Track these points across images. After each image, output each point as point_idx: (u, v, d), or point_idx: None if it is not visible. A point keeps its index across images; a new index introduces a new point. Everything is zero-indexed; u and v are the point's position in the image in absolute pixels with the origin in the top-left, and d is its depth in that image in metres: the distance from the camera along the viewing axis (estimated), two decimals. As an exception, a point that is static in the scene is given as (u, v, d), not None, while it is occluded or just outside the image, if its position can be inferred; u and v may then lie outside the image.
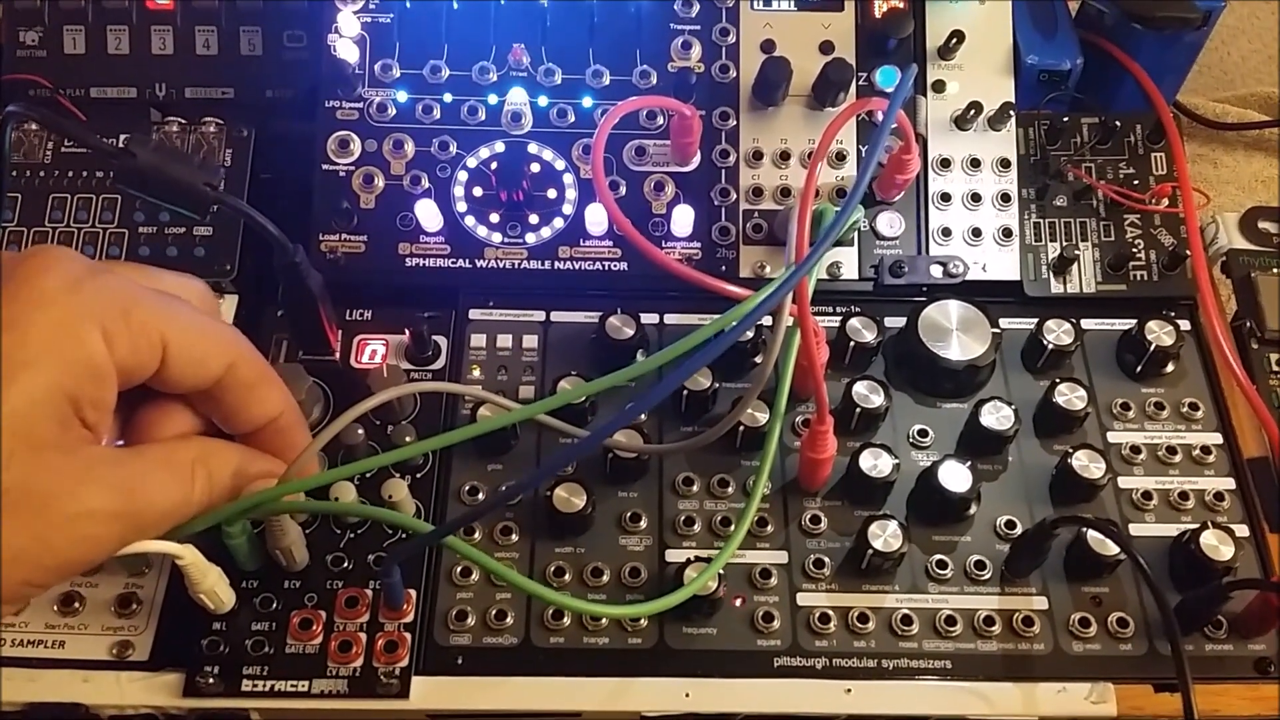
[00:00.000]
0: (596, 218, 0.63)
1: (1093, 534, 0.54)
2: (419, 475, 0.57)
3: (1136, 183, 0.67)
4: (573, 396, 0.52)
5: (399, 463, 0.56)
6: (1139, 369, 0.62)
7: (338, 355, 0.61)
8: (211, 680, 0.50)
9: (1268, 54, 1.07)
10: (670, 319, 0.63)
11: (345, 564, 0.54)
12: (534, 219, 0.63)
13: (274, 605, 0.53)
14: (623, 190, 0.64)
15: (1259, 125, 0.87)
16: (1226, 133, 0.87)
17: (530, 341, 0.62)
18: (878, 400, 0.58)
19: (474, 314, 0.63)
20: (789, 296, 0.51)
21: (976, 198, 0.65)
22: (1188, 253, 0.64)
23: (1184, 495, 0.58)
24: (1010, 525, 0.57)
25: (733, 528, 0.54)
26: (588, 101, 0.65)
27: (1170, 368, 0.63)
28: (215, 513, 0.44)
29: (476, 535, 0.56)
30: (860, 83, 0.66)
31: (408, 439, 0.55)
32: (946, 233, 0.65)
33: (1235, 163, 0.86)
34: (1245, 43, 1.08)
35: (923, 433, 0.60)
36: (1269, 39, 1.08)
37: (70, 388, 0.35)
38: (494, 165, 0.64)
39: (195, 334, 0.40)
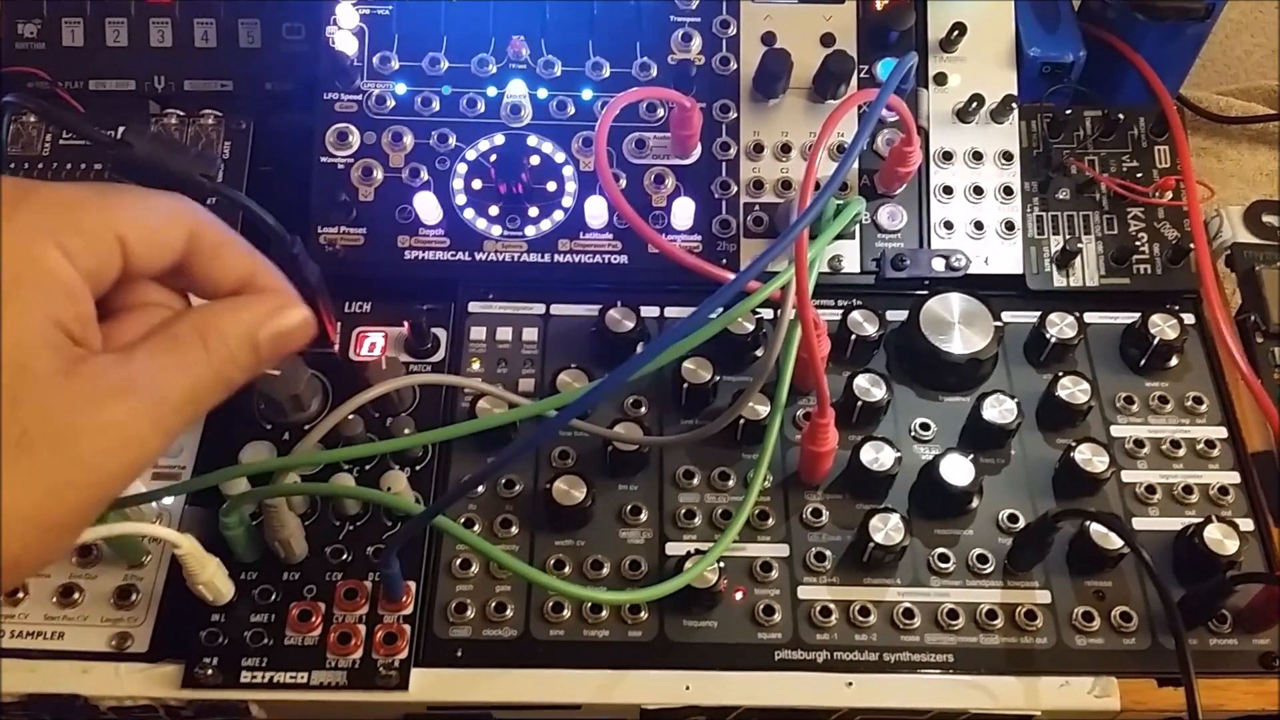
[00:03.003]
0: (596, 210, 0.62)
1: (1096, 527, 0.54)
2: (418, 468, 0.57)
3: (1140, 176, 0.66)
4: (571, 396, 0.52)
5: (398, 454, 0.56)
6: (1142, 362, 0.62)
7: (337, 347, 0.61)
8: (210, 672, 0.50)
9: (1270, 49, 1.07)
10: (671, 312, 0.63)
11: (344, 556, 0.54)
12: (533, 212, 0.63)
13: (273, 597, 0.53)
14: (623, 183, 0.63)
15: (1263, 119, 0.86)
16: (1230, 126, 0.86)
17: (530, 334, 0.62)
18: (879, 393, 0.58)
19: (473, 307, 0.63)
20: (790, 286, 0.51)
21: (979, 191, 0.65)
22: (1191, 246, 0.64)
23: (1188, 489, 0.58)
24: (1013, 519, 0.57)
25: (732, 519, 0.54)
26: (587, 94, 0.65)
27: (1174, 361, 0.62)
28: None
29: (476, 528, 0.55)
30: (861, 75, 0.66)
31: (406, 431, 0.55)
32: (949, 226, 0.64)
33: (1239, 156, 0.86)
34: (1249, 38, 1.08)
35: (924, 426, 0.60)
36: (1271, 34, 1.07)
37: (50, 312, 0.34)
38: (493, 158, 0.64)
39: (148, 218, 0.38)
